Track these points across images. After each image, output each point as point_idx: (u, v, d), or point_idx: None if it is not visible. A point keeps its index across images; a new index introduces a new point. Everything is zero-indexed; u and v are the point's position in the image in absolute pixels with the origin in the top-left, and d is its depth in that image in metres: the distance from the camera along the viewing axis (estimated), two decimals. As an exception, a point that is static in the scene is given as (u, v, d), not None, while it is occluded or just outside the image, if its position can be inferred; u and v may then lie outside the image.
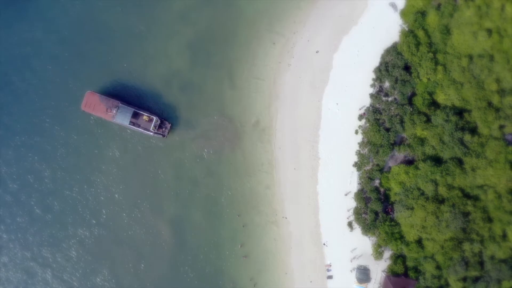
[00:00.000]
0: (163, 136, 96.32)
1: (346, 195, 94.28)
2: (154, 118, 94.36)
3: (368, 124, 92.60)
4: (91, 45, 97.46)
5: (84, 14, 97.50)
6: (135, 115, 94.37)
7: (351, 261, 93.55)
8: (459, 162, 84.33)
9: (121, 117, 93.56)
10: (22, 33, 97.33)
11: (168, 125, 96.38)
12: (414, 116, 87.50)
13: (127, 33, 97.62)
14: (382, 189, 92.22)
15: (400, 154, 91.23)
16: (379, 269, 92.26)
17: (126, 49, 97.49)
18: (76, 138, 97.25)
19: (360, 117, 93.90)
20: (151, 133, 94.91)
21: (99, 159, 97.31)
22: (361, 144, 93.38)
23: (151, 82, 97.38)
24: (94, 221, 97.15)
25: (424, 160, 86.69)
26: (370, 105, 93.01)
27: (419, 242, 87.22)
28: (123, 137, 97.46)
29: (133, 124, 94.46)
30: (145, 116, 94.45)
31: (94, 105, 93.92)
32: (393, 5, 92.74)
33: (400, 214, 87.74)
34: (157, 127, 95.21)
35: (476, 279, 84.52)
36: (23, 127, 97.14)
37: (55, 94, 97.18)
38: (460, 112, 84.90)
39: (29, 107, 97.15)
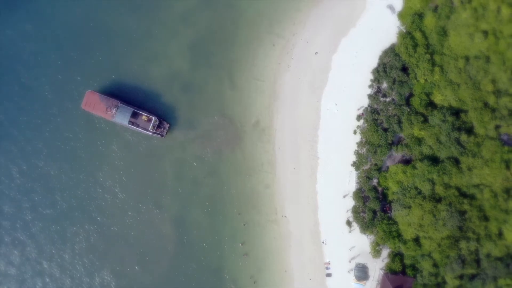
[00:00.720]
0: (162, 136, 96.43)
1: (345, 195, 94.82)
2: (153, 118, 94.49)
3: (366, 124, 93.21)
4: (92, 45, 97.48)
5: (85, 14, 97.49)
6: (134, 115, 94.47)
7: (350, 261, 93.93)
8: (456, 162, 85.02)
9: (121, 117, 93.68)
10: (23, 32, 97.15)
11: (167, 125, 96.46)
12: (412, 117, 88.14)
13: (128, 33, 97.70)
14: (380, 188, 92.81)
15: (397, 154, 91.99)
16: (377, 267, 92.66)
17: (127, 49, 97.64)
18: (76, 136, 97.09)
19: (359, 117, 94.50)
20: (150, 133, 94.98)
21: (101, 158, 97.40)
22: (360, 144, 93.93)
23: (152, 82, 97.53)
24: (99, 219, 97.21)
25: (421, 160, 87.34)
26: (368, 105, 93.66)
27: (416, 240, 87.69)
28: (124, 136, 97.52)
29: (132, 123, 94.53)
30: (144, 116, 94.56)
31: (94, 104, 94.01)
32: (391, 7, 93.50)
33: (397, 212, 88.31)
34: (155, 127, 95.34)
35: (472, 277, 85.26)
36: (23, 126, 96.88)
37: (56, 93, 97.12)
38: (456, 112, 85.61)
39: (29, 106, 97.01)
